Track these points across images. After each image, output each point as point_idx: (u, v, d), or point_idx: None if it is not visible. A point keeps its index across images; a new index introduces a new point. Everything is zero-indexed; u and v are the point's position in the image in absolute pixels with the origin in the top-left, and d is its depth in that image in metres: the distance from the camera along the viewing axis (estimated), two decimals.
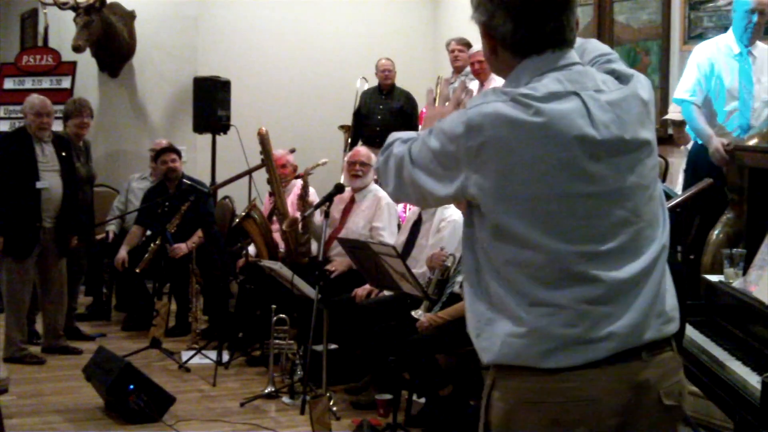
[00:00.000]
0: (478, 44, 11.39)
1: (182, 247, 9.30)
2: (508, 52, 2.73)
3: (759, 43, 7.52)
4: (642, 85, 2.75)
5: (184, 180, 9.63)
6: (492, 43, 2.75)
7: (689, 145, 8.12)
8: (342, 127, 12.23)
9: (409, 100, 11.82)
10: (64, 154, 8.68)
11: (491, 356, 2.70)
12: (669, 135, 9.10)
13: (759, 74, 7.44)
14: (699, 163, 7.41)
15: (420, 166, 2.73)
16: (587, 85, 2.65)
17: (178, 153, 10.15)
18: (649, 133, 2.71)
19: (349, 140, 11.87)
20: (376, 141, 11.16)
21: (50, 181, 8.51)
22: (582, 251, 2.58)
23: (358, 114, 11.91)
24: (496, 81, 10.53)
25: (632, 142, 2.65)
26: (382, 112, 11.74)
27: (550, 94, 2.58)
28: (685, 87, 7.54)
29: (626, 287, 2.62)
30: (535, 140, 2.54)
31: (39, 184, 8.43)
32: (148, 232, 9.79)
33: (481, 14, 2.73)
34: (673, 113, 8.51)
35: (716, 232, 6.52)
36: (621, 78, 2.75)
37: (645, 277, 2.65)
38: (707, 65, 7.45)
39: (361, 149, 8.85)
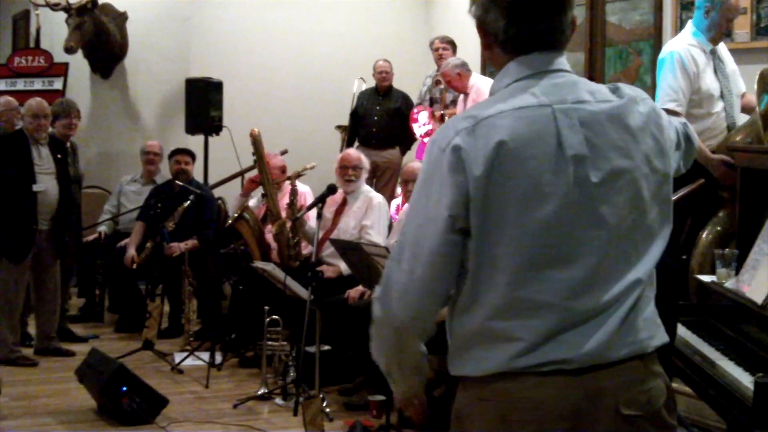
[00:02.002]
0: (462, 43, 11.43)
1: (180, 246, 9.27)
2: (499, 49, 2.74)
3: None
4: (639, 111, 2.72)
5: (192, 182, 9.75)
6: (486, 38, 2.76)
7: None
8: (339, 127, 12.23)
9: (406, 101, 11.80)
10: (59, 156, 8.66)
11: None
12: None
13: (726, 70, 7.34)
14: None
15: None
16: (565, 97, 2.65)
17: (193, 156, 10.20)
18: (625, 162, 2.65)
19: (345, 140, 11.86)
20: (372, 142, 11.19)
21: (47, 183, 8.50)
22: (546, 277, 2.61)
23: (354, 115, 11.90)
24: (476, 90, 10.56)
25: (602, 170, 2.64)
26: (378, 113, 11.73)
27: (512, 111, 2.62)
28: (667, 96, 7.11)
29: (589, 316, 2.62)
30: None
31: (35, 187, 8.41)
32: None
33: (477, 9, 2.74)
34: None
35: (705, 233, 6.53)
36: (616, 91, 2.74)
37: (611, 302, 2.63)
38: (687, 70, 7.12)
39: (352, 152, 8.85)
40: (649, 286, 2.73)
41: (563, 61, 2.75)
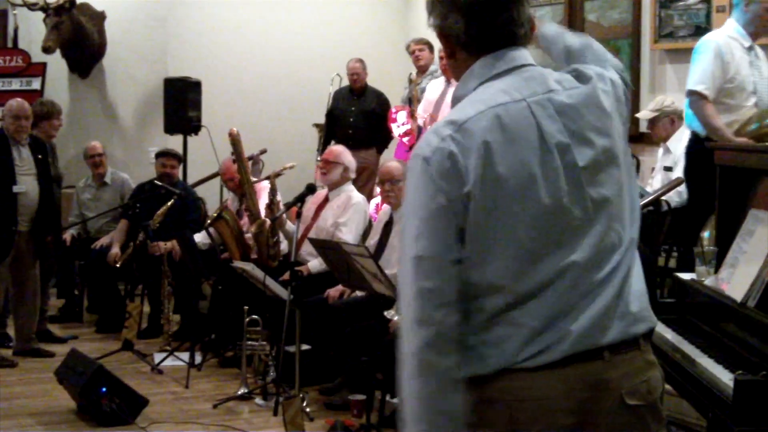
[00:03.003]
0: (438, 43, 11.44)
1: (166, 246, 9.21)
2: (464, 52, 2.76)
3: None
4: (604, 90, 2.77)
5: (177, 183, 9.79)
6: (449, 45, 2.78)
7: (669, 141, 8.08)
8: (316, 125, 12.22)
9: (381, 101, 11.80)
10: (40, 156, 8.64)
11: None
12: (641, 133, 9.15)
13: (763, 69, 7.29)
14: (700, 159, 6.90)
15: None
16: (536, 90, 2.69)
17: (179, 159, 10.21)
18: (606, 140, 2.71)
19: (322, 140, 11.85)
20: (348, 142, 11.14)
21: (27, 185, 8.48)
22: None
23: (330, 115, 11.89)
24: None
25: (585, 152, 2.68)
26: (354, 114, 11.72)
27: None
28: (698, 78, 7.14)
29: (586, 295, 2.65)
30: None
31: (16, 188, 8.39)
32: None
33: (436, 17, 2.77)
34: (645, 111, 8.52)
35: (707, 233, 6.53)
36: (580, 77, 2.78)
37: (604, 279, 2.67)
38: (723, 58, 7.12)
39: (333, 147, 8.93)
40: (636, 258, 2.78)
41: (527, 54, 2.78)
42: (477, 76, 2.73)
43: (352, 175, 8.61)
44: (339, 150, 8.67)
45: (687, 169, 7.52)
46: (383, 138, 11.69)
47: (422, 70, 11.23)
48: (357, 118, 11.69)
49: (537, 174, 2.60)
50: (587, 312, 2.62)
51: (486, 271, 2.61)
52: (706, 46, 7.19)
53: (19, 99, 8.79)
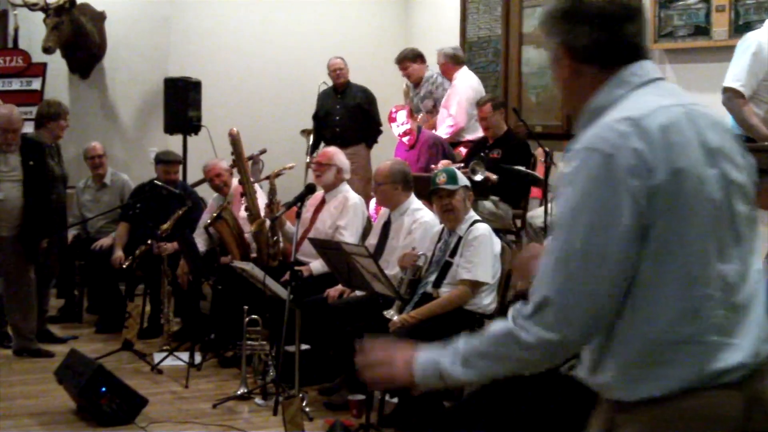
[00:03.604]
0: (438, 39, 11.44)
1: (170, 246, 9.20)
2: (593, 66, 2.70)
3: None
4: None
5: (178, 184, 9.81)
6: (572, 63, 2.72)
7: None
8: (304, 131, 12.19)
9: (366, 95, 11.75)
10: (31, 162, 8.59)
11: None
12: None
13: None
14: None
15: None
16: (684, 101, 2.64)
17: (180, 163, 10.25)
18: (743, 174, 2.68)
19: (311, 143, 11.82)
20: (336, 141, 11.12)
21: (8, 191, 8.46)
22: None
23: (316, 117, 11.87)
24: (460, 79, 10.62)
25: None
26: (339, 112, 11.66)
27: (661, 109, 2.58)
28: (735, 75, 7.05)
29: (743, 311, 2.60)
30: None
31: None
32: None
33: (558, 34, 2.72)
34: None
35: None
36: None
37: (754, 293, 2.63)
38: (762, 55, 7.01)
39: (326, 150, 8.92)
40: None
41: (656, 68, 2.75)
42: (626, 85, 2.65)
43: (347, 176, 8.61)
44: (332, 152, 8.67)
45: None
46: (372, 132, 11.67)
47: (416, 83, 11.20)
48: (342, 115, 11.64)
49: (706, 178, 2.54)
50: (750, 328, 2.58)
51: (668, 273, 2.53)
52: (746, 43, 7.12)
53: (9, 107, 8.74)
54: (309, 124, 12.26)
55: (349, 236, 8.07)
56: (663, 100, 2.61)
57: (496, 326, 2.71)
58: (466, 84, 10.72)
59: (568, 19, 2.69)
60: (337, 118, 11.66)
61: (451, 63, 10.92)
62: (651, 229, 2.50)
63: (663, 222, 2.50)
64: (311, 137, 11.96)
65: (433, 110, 10.96)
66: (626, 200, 2.47)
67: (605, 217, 2.49)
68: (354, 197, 8.43)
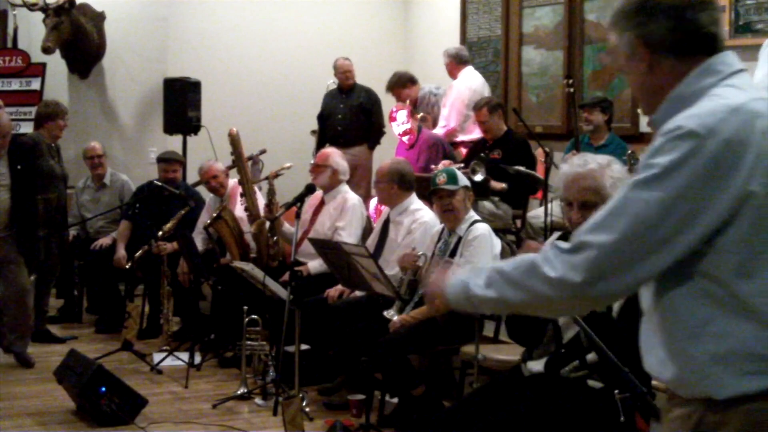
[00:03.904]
0: (439, 40, 11.44)
1: (171, 246, 9.19)
2: (671, 58, 2.67)
3: None
4: None
5: (180, 184, 9.81)
6: (650, 56, 2.69)
7: None
8: (314, 132, 12.14)
9: (369, 95, 11.72)
10: (20, 167, 8.42)
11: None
12: (641, 133, 9.19)
13: None
14: None
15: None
16: (765, 94, 2.59)
17: (181, 162, 10.26)
18: None
19: (316, 144, 11.78)
20: (339, 141, 11.11)
21: None
22: None
23: (321, 117, 11.84)
24: (462, 79, 10.63)
25: None
26: (342, 111, 11.63)
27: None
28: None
29: None
30: None
31: None
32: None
33: (633, 28, 2.70)
34: None
35: None
36: None
37: None
38: None
39: (323, 151, 8.86)
40: None
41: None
42: (715, 74, 2.61)
43: (343, 177, 8.53)
44: (327, 153, 8.64)
45: None
46: (374, 133, 11.66)
47: (413, 103, 11.14)
48: (345, 115, 11.61)
49: None
50: None
51: (756, 284, 2.49)
52: None
53: None
54: (309, 124, 12.25)
55: (348, 237, 8.05)
56: (756, 92, 2.58)
57: (527, 255, 2.72)
58: (465, 85, 10.71)
59: (643, 12, 2.67)
60: (339, 117, 11.63)
61: (454, 62, 10.93)
62: (732, 231, 2.48)
63: (754, 226, 2.47)
64: (315, 137, 11.92)
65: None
66: (723, 197, 2.44)
67: (693, 208, 2.46)
68: (353, 198, 8.41)
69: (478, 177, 8.58)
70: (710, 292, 2.51)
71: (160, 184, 9.49)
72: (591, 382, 4.48)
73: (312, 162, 8.86)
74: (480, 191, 8.46)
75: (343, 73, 11.72)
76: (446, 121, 10.59)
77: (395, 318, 6.62)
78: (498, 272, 2.73)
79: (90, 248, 9.91)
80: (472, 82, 10.78)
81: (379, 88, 11.84)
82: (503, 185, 8.88)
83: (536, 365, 4.71)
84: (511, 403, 4.63)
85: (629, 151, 8.39)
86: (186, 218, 9.34)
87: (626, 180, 3.62)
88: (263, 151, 10.68)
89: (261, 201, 8.75)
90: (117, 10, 12.33)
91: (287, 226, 8.39)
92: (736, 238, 2.48)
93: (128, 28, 12.47)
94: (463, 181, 6.89)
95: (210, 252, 9.07)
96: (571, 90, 9.17)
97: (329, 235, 8.11)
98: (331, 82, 12.02)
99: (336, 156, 8.54)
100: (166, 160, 9.92)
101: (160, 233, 9.09)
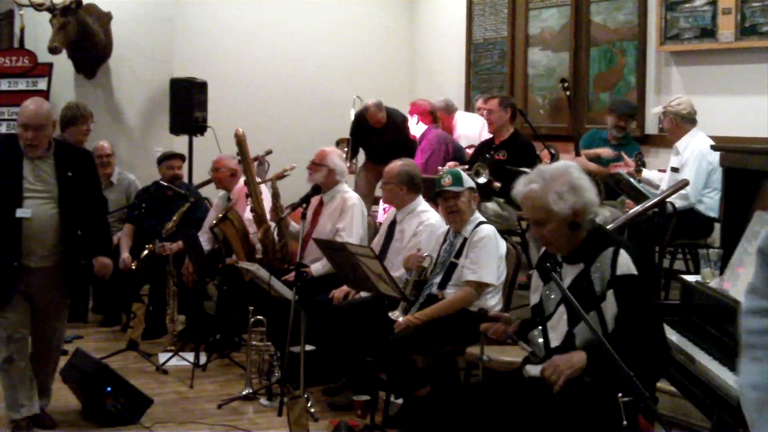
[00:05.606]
0: (443, 43, 11.43)
1: (172, 246, 9.19)
2: None
3: None
4: None
5: (183, 184, 9.84)
6: None
7: (679, 143, 7.96)
8: (341, 141, 11.80)
9: (399, 128, 11.21)
10: (70, 174, 6.62)
11: None
12: (646, 135, 9.21)
13: None
14: None
15: None
16: None
17: (182, 158, 10.25)
18: None
19: (348, 152, 11.52)
20: (374, 155, 11.10)
21: (37, 209, 6.47)
22: None
23: (354, 135, 11.50)
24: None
25: None
26: (377, 146, 11.24)
27: None
28: None
29: None
30: None
31: (19, 212, 6.41)
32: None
33: None
34: (656, 108, 8.54)
35: None
36: None
37: None
38: None
39: (322, 149, 8.63)
40: None
41: None
42: None
43: (339, 177, 8.44)
44: (326, 152, 8.53)
45: None
46: (408, 152, 11.49)
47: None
48: (379, 146, 11.20)
49: None
50: None
51: None
52: None
53: (38, 101, 6.74)
54: (314, 124, 12.27)
55: (348, 237, 8.03)
56: None
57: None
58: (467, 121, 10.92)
59: None
60: (374, 142, 11.30)
61: (445, 113, 10.98)
62: None
63: None
64: (347, 148, 11.63)
65: None
66: None
67: None
68: (352, 198, 8.34)
69: (482, 179, 8.57)
70: None
71: (165, 184, 9.50)
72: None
73: (348, 166, 8.79)
74: (484, 193, 8.46)
75: (376, 122, 11.18)
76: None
77: (400, 319, 6.63)
78: None
79: None
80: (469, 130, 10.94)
81: (384, 88, 11.85)
82: (497, 184, 8.84)
83: (534, 369, 4.70)
84: (511, 404, 4.63)
85: (637, 152, 8.42)
86: (190, 218, 9.34)
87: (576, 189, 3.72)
88: (269, 152, 10.69)
89: (268, 200, 8.72)
90: (124, 11, 12.34)
91: (294, 225, 8.37)
92: None
93: (135, 29, 12.48)
94: (468, 182, 6.89)
95: (216, 252, 9.06)
96: (567, 93, 9.18)
97: (330, 237, 8.10)
98: (356, 96, 11.89)
99: (334, 156, 8.50)
100: (166, 158, 9.95)
101: (164, 231, 9.10)
